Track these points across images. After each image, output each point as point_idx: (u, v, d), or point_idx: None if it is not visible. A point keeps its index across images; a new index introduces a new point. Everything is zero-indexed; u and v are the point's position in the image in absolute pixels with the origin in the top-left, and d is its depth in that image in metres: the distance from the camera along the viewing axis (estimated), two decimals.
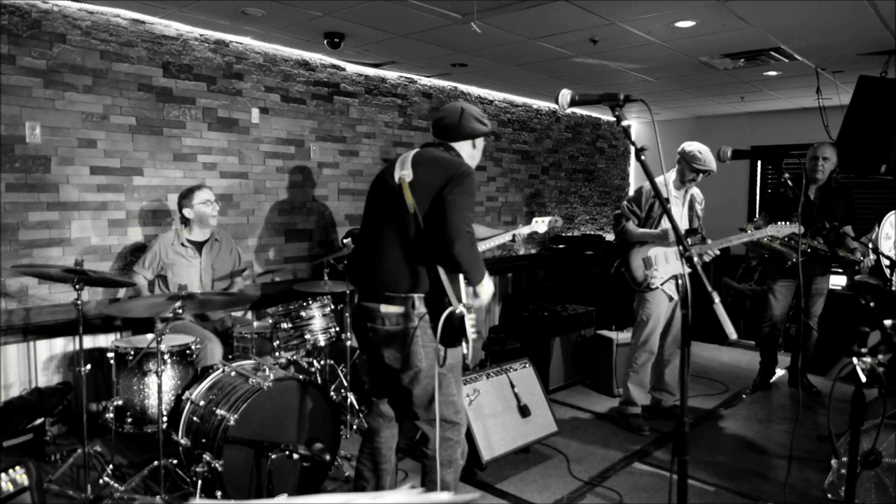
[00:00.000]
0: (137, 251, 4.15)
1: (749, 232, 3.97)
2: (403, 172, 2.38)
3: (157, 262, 3.70)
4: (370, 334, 2.46)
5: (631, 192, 7.33)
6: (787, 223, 3.86)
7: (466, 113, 2.50)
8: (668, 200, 3.89)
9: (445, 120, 2.51)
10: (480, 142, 2.59)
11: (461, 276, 2.37)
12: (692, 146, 3.88)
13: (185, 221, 3.77)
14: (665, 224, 3.93)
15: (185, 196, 3.74)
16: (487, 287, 2.41)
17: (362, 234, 2.57)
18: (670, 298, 4.03)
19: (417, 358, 2.37)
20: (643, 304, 4.04)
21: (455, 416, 2.45)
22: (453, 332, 2.28)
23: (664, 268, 3.96)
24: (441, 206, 2.27)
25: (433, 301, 2.34)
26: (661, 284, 3.97)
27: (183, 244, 3.75)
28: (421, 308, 2.36)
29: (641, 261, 3.98)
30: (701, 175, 3.89)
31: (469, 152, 2.55)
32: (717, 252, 3.85)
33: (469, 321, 2.30)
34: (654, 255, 3.98)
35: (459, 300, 2.32)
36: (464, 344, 2.32)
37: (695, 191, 4.10)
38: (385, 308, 2.37)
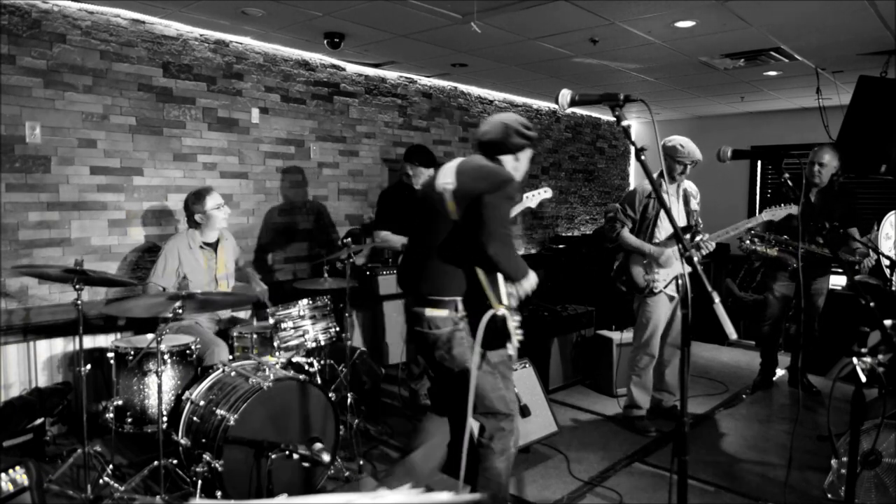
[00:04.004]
0: (144, 253, 4.15)
1: (748, 227, 3.93)
2: (447, 181, 2.46)
3: (176, 269, 3.63)
4: (419, 338, 2.60)
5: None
6: (783, 205, 3.81)
7: (510, 128, 2.52)
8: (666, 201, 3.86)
9: (488, 135, 2.55)
10: (524, 154, 2.59)
11: (502, 278, 2.44)
12: (672, 140, 3.81)
13: (195, 224, 3.74)
14: (659, 235, 3.90)
15: (196, 201, 3.67)
16: (532, 279, 2.53)
17: (409, 243, 2.72)
18: (671, 299, 4.00)
19: (463, 358, 2.47)
20: (643, 307, 4.00)
21: (506, 408, 2.54)
22: (496, 334, 2.36)
23: (665, 270, 3.92)
24: (479, 209, 2.34)
25: (475, 304, 2.43)
26: (664, 287, 3.94)
27: (201, 247, 3.73)
28: (464, 311, 2.47)
29: (642, 266, 3.94)
30: (687, 167, 3.82)
31: (512, 164, 2.56)
32: (713, 246, 3.80)
33: (512, 322, 2.38)
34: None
35: (500, 302, 2.39)
36: (508, 345, 2.41)
37: (688, 184, 4.02)
38: (430, 312, 2.48)
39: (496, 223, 2.32)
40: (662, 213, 3.87)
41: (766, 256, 4.15)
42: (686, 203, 3.99)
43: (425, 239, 2.54)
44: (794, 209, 3.79)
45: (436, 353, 2.54)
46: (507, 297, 2.45)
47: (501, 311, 2.35)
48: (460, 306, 2.45)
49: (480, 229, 2.32)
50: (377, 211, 4.35)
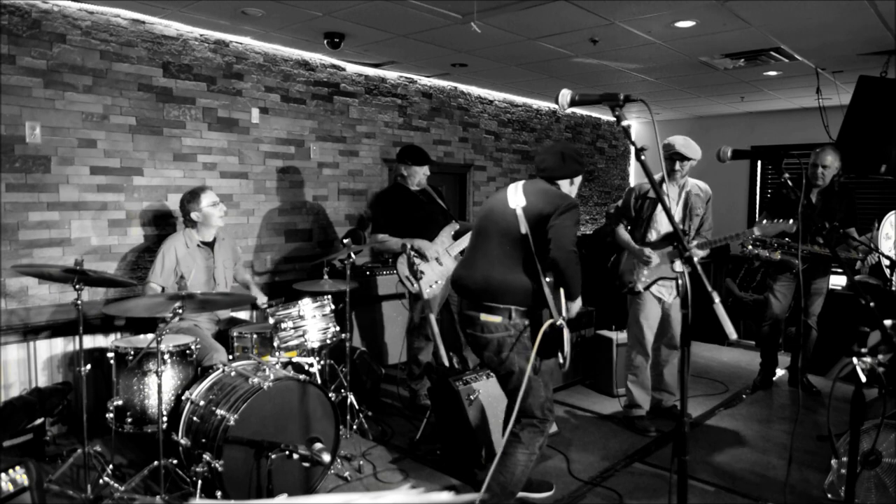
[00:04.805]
0: (143, 253, 4.15)
1: (737, 235, 3.84)
2: (518, 200, 2.70)
3: (174, 268, 3.63)
4: (470, 339, 2.79)
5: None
6: (779, 220, 3.75)
7: (566, 156, 2.80)
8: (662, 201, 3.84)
9: (547, 162, 2.82)
10: (578, 178, 2.88)
11: (562, 293, 2.64)
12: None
13: (191, 224, 3.74)
14: (651, 235, 3.90)
15: (191, 199, 3.68)
16: (579, 302, 2.80)
17: (471, 250, 2.88)
18: (659, 300, 3.98)
19: (511, 363, 2.67)
20: (631, 305, 4.07)
21: (542, 414, 2.72)
22: (552, 341, 2.56)
23: (648, 271, 3.90)
24: (551, 230, 2.58)
25: (533, 314, 2.63)
26: (645, 288, 3.92)
27: (198, 246, 3.73)
28: (517, 319, 2.65)
29: (629, 264, 3.98)
30: (677, 163, 3.76)
31: (568, 188, 2.84)
32: (702, 253, 3.77)
33: (567, 332, 2.57)
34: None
35: (560, 313, 2.60)
36: (559, 354, 2.57)
37: (695, 186, 3.93)
38: (484, 317, 2.67)
39: (568, 243, 2.56)
40: (657, 214, 3.88)
41: (771, 261, 4.12)
42: (686, 205, 3.92)
43: (488, 250, 2.74)
44: (787, 225, 3.73)
45: (485, 355, 2.74)
46: (565, 310, 2.67)
47: (560, 321, 2.55)
48: (513, 314, 2.64)
49: (550, 247, 2.55)
50: (374, 214, 4.33)
